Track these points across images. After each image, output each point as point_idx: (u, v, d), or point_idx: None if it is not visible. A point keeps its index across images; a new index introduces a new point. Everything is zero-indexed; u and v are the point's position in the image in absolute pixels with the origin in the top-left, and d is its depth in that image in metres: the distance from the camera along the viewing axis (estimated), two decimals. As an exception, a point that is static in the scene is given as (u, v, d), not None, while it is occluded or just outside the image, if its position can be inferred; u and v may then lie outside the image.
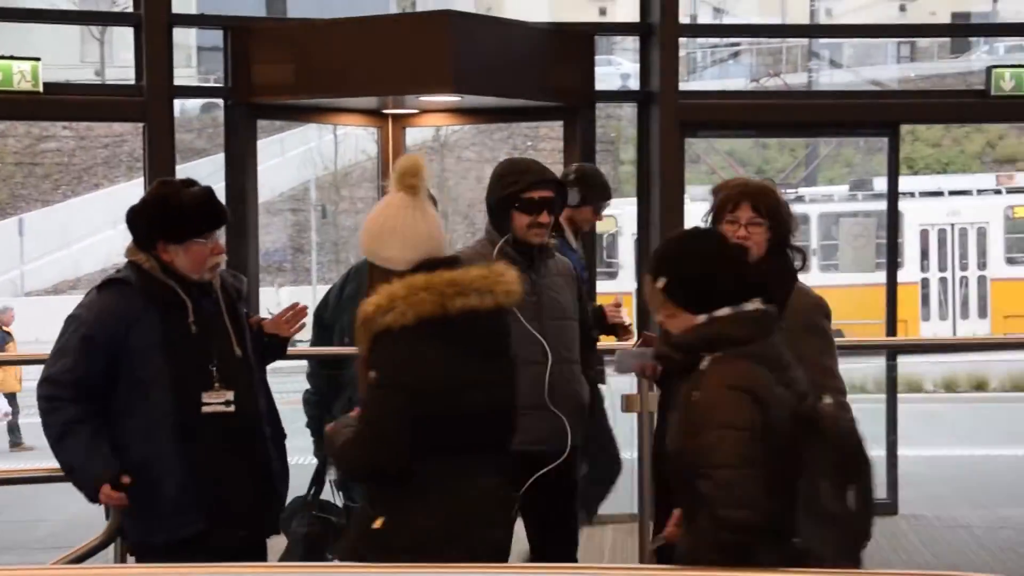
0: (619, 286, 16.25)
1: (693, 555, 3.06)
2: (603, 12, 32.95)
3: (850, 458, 3.05)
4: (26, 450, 13.47)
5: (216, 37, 7.70)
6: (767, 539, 2.94)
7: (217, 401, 3.91)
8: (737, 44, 28.98)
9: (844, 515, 3.00)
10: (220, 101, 7.66)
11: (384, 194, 3.53)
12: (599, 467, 5.81)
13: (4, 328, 14.78)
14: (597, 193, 5.88)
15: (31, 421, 14.56)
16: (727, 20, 31.77)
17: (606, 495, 6.15)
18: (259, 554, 4.09)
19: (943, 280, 22.33)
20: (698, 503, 3.00)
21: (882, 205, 9.33)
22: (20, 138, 29.38)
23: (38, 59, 7.31)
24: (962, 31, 32.89)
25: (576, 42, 7.85)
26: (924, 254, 22.21)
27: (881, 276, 9.12)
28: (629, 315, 5.62)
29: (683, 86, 8.36)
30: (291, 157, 26.81)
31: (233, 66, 7.47)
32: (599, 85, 7.99)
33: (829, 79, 26.60)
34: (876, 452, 5.34)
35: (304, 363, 5.65)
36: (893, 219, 8.44)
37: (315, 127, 20.60)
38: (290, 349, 5.63)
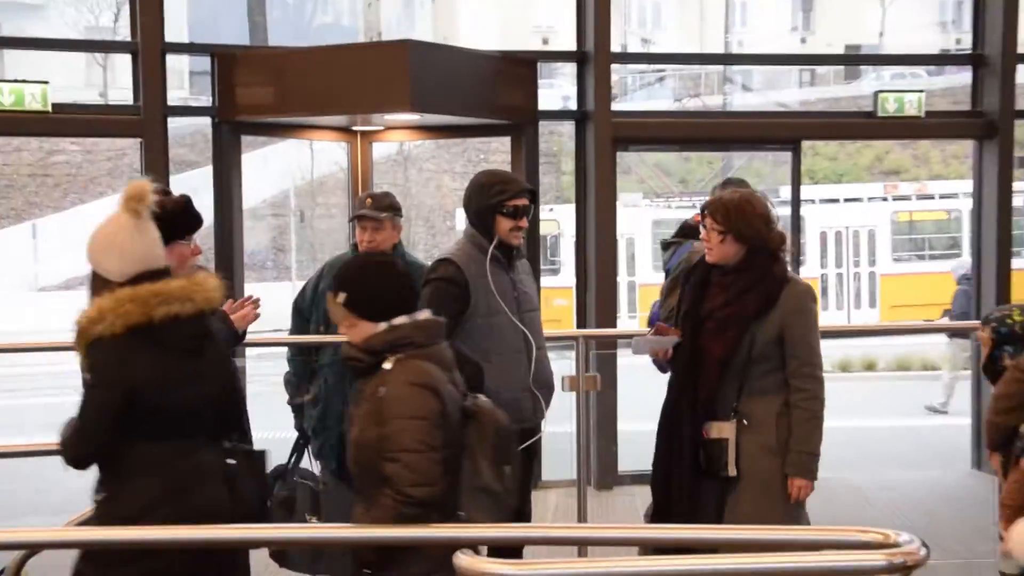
0: (561, 281, 16.32)
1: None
2: (545, 41, 32.94)
3: (503, 444, 3.24)
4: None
5: (205, 63, 7.62)
6: (440, 512, 3.07)
7: None
8: (662, 70, 29.09)
9: (499, 491, 3.21)
10: (209, 119, 7.57)
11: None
12: None
13: None
14: None
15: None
16: (653, 49, 31.85)
17: None
18: None
19: (839, 275, 22.52)
20: (382, 483, 3.08)
21: (787, 211, 9.37)
22: (33, 152, 28.96)
23: (46, 82, 7.23)
24: (854, 60, 33.24)
25: (521, 67, 7.84)
26: (823, 253, 22.38)
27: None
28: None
29: (615, 106, 8.36)
30: (273, 168, 26.61)
31: (220, 88, 7.42)
32: (542, 105, 7.97)
33: (742, 100, 26.74)
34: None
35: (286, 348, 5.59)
36: (796, 223, 8.49)
37: (293, 142, 20.48)
38: (272, 337, 5.58)
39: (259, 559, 4.30)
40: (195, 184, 8.18)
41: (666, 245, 5.45)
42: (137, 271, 3.34)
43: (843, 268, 22.48)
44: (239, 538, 3.28)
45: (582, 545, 4.90)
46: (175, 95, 12.59)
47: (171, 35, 7.63)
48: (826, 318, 21.81)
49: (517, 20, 35.23)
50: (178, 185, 5.31)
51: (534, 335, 4.41)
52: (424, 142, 25.19)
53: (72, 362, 3.40)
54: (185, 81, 26.52)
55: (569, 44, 8.33)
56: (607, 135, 7.87)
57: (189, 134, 27.01)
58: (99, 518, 3.35)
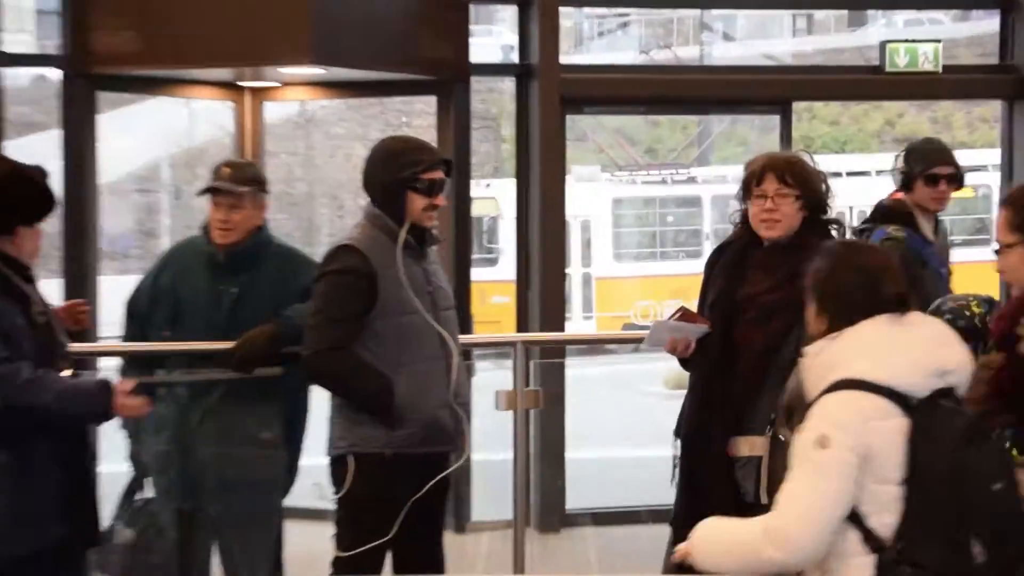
0: (499, 274, 16.09)
1: None
2: (482, -22, 32.96)
3: None
4: None
5: (54, 0, 7.55)
6: None
7: None
8: (625, 14, 29.12)
9: None
10: (58, 71, 7.50)
11: None
12: None
13: None
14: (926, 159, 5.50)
15: None
16: (614, -12, 31.87)
17: None
18: None
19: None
20: None
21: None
22: None
23: None
24: (858, 2, 33.49)
25: (451, 11, 7.82)
26: (822, 238, 22.56)
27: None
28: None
29: (566, 59, 8.41)
30: (139, 134, 26.36)
31: (72, 32, 7.34)
32: (476, 57, 7.99)
33: (722, 52, 26.90)
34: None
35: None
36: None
37: (166, 100, 20.19)
38: (101, 346, 5.59)
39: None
40: (38, 151, 8.08)
41: (858, 232, 5.51)
42: None
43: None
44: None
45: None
46: (15, 39, 12.42)
47: (9, -35, 7.55)
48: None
49: (447, -50, 35.21)
50: (15, 151, 5.24)
51: (454, 338, 4.43)
52: (331, 102, 24.91)
53: None
54: (29, 23, 26.22)
55: (509, -19, 8.35)
56: (555, 93, 7.89)
57: (32, 88, 26.67)
58: None
